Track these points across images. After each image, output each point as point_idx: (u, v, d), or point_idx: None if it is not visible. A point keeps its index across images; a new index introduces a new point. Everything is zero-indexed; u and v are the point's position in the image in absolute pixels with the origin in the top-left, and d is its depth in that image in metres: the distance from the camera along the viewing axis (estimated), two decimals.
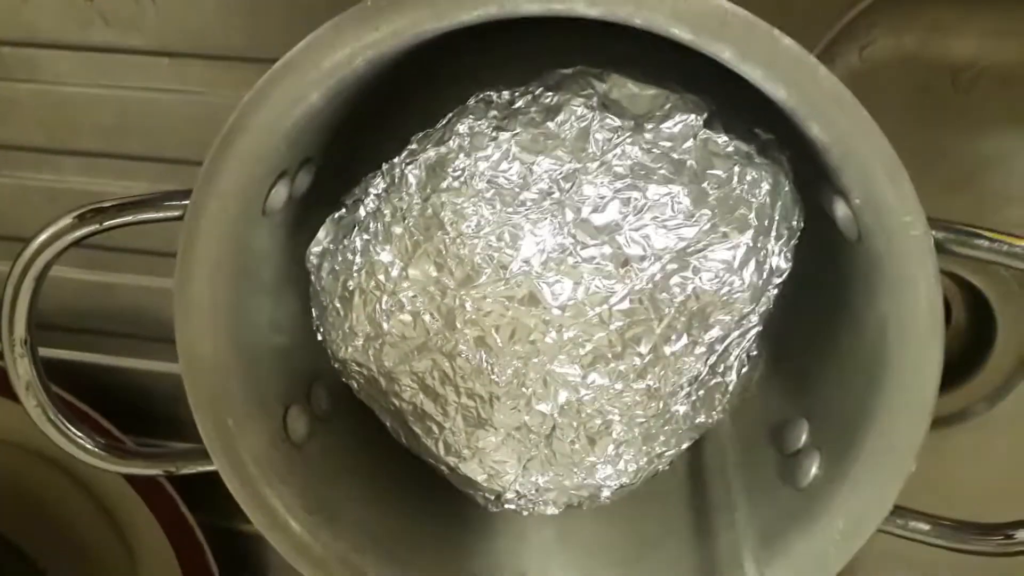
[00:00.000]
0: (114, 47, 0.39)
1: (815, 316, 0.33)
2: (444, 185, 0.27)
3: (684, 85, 0.28)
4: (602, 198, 0.26)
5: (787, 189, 0.27)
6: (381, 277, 0.29)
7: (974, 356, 0.47)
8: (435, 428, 0.30)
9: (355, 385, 0.32)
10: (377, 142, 0.31)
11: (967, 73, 0.42)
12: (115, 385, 0.47)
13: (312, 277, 0.32)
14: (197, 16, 0.38)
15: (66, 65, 0.40)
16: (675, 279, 0.26)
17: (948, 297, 0.47)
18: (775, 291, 0.28)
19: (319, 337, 0.32)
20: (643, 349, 0.27)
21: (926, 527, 0.27)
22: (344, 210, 0.31)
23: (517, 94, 0.28)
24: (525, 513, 0.32)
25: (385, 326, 0.29)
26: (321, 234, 0.31)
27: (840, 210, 0.27)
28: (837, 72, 0.45)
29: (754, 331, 0.28)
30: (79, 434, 0.30)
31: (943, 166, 0.43)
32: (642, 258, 0.26)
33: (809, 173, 0.28)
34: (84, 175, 0.42)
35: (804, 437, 0.32)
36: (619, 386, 0.28)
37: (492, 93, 0.29)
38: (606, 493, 0.30)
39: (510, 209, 0.27)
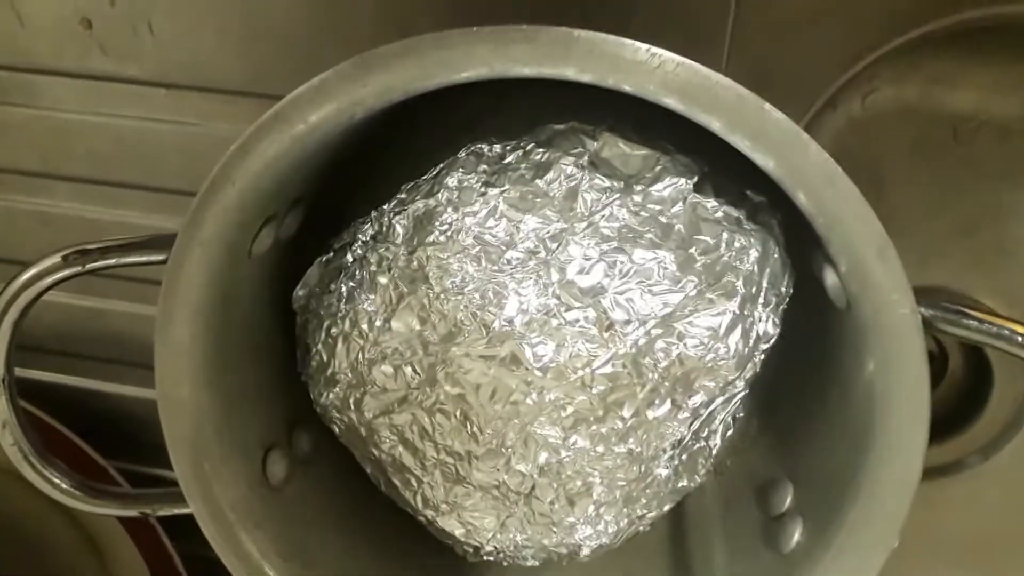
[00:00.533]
0: (111, 76, 0.39)
1: (805, 377, 0.33)
2: (431, 239, 0.27)
3: (682, 134, 0.28)
4: (588, 260, 0.26)
5: (776, 256, 0.27)
6: (364, 326, 0.28)
7: (970, 407, 0.46)
8: (413, 481, 0.30)
9: (336, 430, 0.31)
10: (371, 182, 0.31)
11: (968, 125, 0.42)
12: (101, 409, 0.47)
13: (298, 319, 0.32)
14: (195, 48, 0.38)
15: (63, 92, 0.40)
16: (659, 344, 0.26)
17: (945, 346, 0.47)
18: (762, 356, 0.28)
19: (303, 379, 0.32)
20: (626, 413, 0.27)
21: None
22: (332, 254, 0.31)
23: (508, 148, 0.28)
24: (505, 564, 0.32)
25: (367, 375, 0.29)
26: (308, 277, 0.31)
27: (829, 278, 0.27)
28: (839, 118, 0.45)
29: (740, 396, 0.28)
30: (55, 474, 0.29)
31: (943, 216, 0.43)
32: (626, 322, 0.26)
33: (803, 235, 0.28)
34: (77, 201, 0.42)
35: (789, 500, 0.31)
36: (600, 449, 0.27)
37: (484, 146, 0.28)
38: (585, 552, 0.30)
39: (495, 267, 0.26)
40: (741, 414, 0.29)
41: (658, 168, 0.27)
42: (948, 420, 0.47)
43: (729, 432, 0.29)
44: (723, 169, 0.28)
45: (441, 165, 0.28)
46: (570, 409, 0.27)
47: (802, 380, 0.33)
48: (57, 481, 0.29)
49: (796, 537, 0.29)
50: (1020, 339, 0.23)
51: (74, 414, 0.45)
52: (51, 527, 0.46)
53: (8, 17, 0.39)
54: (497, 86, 0.30)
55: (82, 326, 0.46)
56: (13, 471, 0.44)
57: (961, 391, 0.47)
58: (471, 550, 0.31)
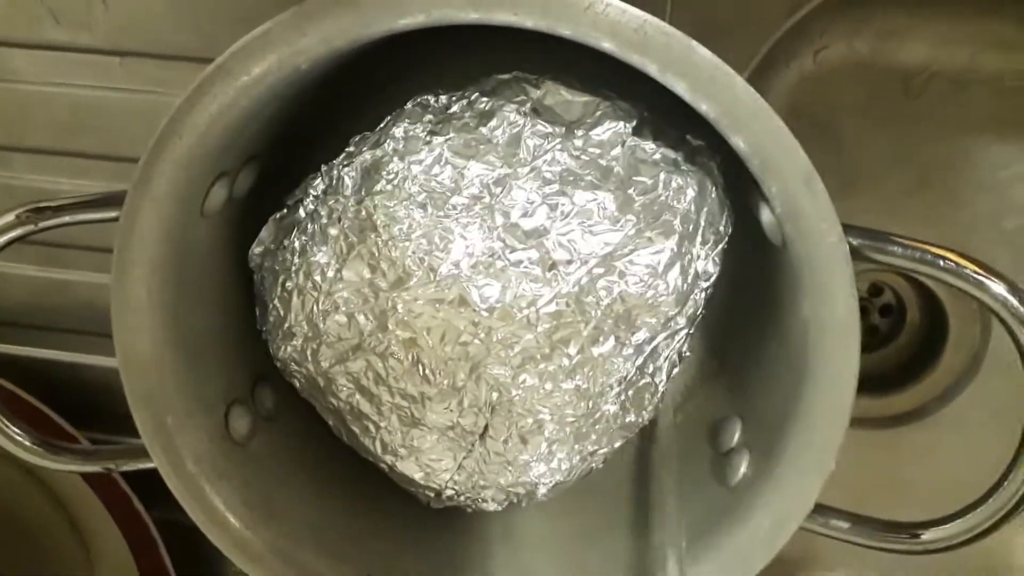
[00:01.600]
0: (66, 46, 0.39)
1: (751, 318, 0.34)
2: (378, 188, 0.28)
3: (628, 90, 0.28)
4: (531, 203, 0.27)
5: (714, 196, 0.28)
6: (317, 278, 0.29)
7: (928, 355, 0.47)
8: (371, 427, 0.30)
9: (297, 384, 0.32)
10: (331, 143, 0.31)
11: (919, 78, 0.43)
12: (70, 381, 0.47)
13: (255, 277, 0.32)
14: (147, 16, 0.38)
15: (17, 63, 0.40)
16: (601, 283, 0.27)
17: (903, 297, 0.48)
18: (703, 295, 0.28)
19: (263, 336, 0.32)
20: (571, 350, 0.28)
21: (846, 525, 0.27)
22: (286, 211, 0.31)
23: (454, 99, 0.29)
24: (469, 510, 0.33)
25: (321, 326, 0.29)
26: (263, 234, 0.31)
27: (765, 216, 0.28)
28: (792, 75, 0.46)
29: (682, 333, 0.29)
30: (17, 431, 0.30)
31: (898, 169, 0.44)
32: (568, 262, 0.27)
33: (743, 178, 0.29)
34: (36, 172, 0.42)
35: (737, 436, 0.32)
36: (549, 386, 0.28)
37: (430, 97, 0.29)
38: (542, 490, 0.31)
39: (441, 213, 0.27)
40: (688, 353, 0.30)
41: (598, 113, 0.27)
42: (907, 368, 0.48)
43: (676, 369, 0.30)
44: (665, 116, 0.29)
45: (388, 117, 0.29)
46: (517, 348, 0.28)
47: (749, 321, 0.34)
48: (19, 439, 0.30)
49: (742, 470, 0.30)
50: (942, 263, 0.24)
51: (44, 387, 0.45)
52: (26, 498, 0.46)
53: None
54: (451, 49, 0.31)
55: (49, 298, 0.46)
56: None
57: (919, 340, 0.48)
58: (432, 495, 0.32)
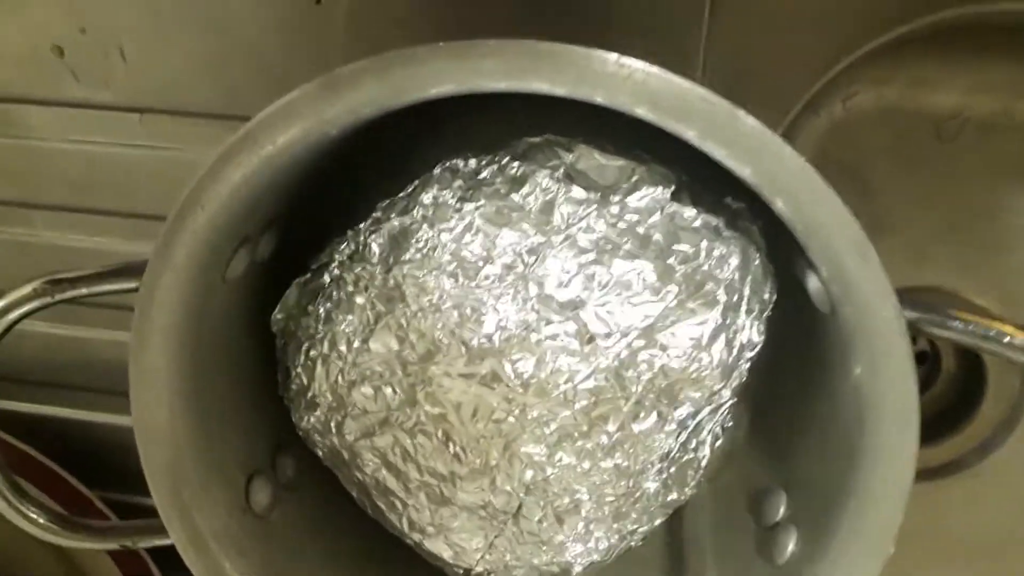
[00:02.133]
0: (85, 103, 0.39)
1: (794, 384, 0.32)
2: (406, 257, 0.27)
3: (659, 144, 0.27)
4: (566, 273, 0.26)
5: (757, 263, 0.26)
6: (343, 347, 0.28)
7: (965, 405, 0.46)
8: (398, 504, 0.29)
9: (320, 454, 0.31)
10: (352, 203, 0.31)
11: (951, 123, 0.42)
12: (83, 439, 0.46)
13: (278, 342, 0.31)
14: (166, 73, 0.38)
15: (37, 120, 0.40)
16: (642, 356, 0.26)
17: (937, 345, 0.47)
18: (747, 364, 0.27)
19: (285, 403, 0.31)
20: (611, 427, 0.26)
21: None
22: (310, 275, 0.30)
23: (483, 163, 0.28)
24: None
25: (347, 398, 0.28)
26: (287, 298, 0.30)
27: (812, 283, 0.26)
28: (821, 122, 0.45)
29: (727, 405, 0.27)
30: (31, 509, 0.29)
31: (929, 215, 0.43)
32: (607, 335, 0.26)
33: (784, 241, 0.27)
34: (55, 229, 0.42)
35: (782, 510, 0.31)
36: (587, 465, 0.27)
37: (459, 161, 0.28)
38: (577, 570, 0.30)
39: (472, 283, 0.26)
40: (730, 424, 0.29)
41: (635, 178, 0.26)
42: (944, 419, 0.47)
43: (718, 443, 0.28)
44: (702, 177, 0.28)
45: (416, 182, 0.28)
46: (554, 425, 0.26)
47: (791, 387, 0.32)
48: (34, 516, 0.29)
49: (791, 547, 0.29)
50: (1007, 339, 0.23)
51: (58, 445, 0.45)
52: (39, 564, 0.45)
53: None
54: (476, 102, 0.30)
55: (63, 355, 0.45)
56: None
57: (956, 389, 0.47)
58: (461, 572, 0.31)
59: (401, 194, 0.28)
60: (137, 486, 0.46)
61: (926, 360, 0.47)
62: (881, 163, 0.44)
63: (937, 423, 0.47)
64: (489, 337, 0.26)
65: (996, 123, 0.42)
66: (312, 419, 0.29)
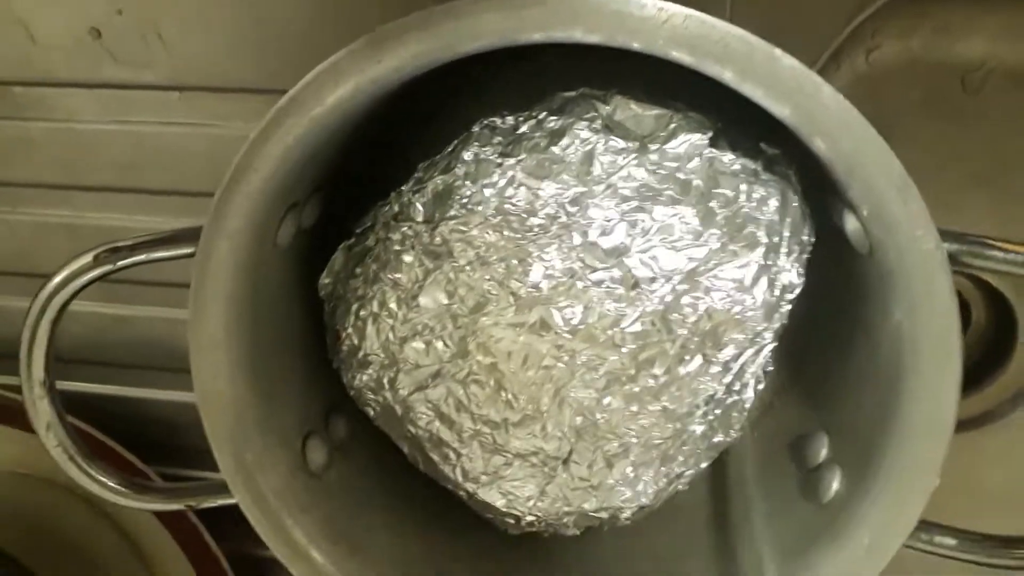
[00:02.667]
0: (125, 84, 0.40)
1: (832, 328, 0.33)
2: (451, 213, 0.27)
3: (693, 96, 0.28)
4: (609, 221, 0.26)
5: (795, 204, 0.27)
6: (392, 305, 0.29)
7: (997, 357, 0.46)
8: (452, 455, 0.30)
9: (371, 413, 0.32)
10: (390, 168, 0.31)
11: (976, 74, 0.42)
12: (138, 417, 0.47)
13: (326, 306, 0.32)
14: (205, 50, 0.39)
15: (78, 103, 0.41)
16: (686, 299, 0.26)
17: (967, 298, 0.47)
18: (789, 307, 0.28)
19: (335, 366, 0.32)
20: (657, 371, 0.27)
21: (952, 541, 0.26)
22: (355, 239, 0.31)
23: (521, 119, 0.28)
24: (546, 535, 0.32)
25: (398, 354, 0.29)
26: (333, 263, 0.31)
27: (850, 224, 0.27)
28: (845, 76, 0.45)
29: (768, 348, 0.28)
30: (100, 472, 0.30)
31: (957, 167, 0.43)
32: (652, 279, 0.26)
33: (819, 184, 0.28)
34: (101, 211, 0.43)
35: (824, 452, 0.31)
36: (635, 408, 0.27)
37: (496, 119, 0.29)
38: (626, 515, 0.30)
39: (517, 235, 0.27)
40: (771, 368, 0.29)
41: (672, 126, 0.27)
42: (976, 371, 0.47)
43: (760, 385, 0.29)
44: (735, 125, 0.28)
45: (456, 141, 0.29)
46: (602, 370, 0.27)
47: (829, 331, 0.33)
48: (103, 479, 0.30)
49: (835, 487, 0.29)
50: None
51: (110, 423, 0.46)
52: (96, 536, 0.46)
53: (19, 34, 0.40)
54: (508, 65, 0.31)
55: (111, 334, 0.46)
56: (57, 482, 0.46)
57: (986, 341, 0.47)
58: (512, 521, 0.31)
59: (441, 154, 0.29)
60: (186, 460, 0.47)
61: None
62: (907, 116, 0.43)
63: (968, 375, 0.47)
64: (536, 286, 0.27)
65: (1022, 72, 0.42)
66: (364, 377, 0.30)
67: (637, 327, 0.27)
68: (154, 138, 0.41)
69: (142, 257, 0.28)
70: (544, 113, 0.28)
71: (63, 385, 0.46)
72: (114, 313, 0.46)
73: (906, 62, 0.43)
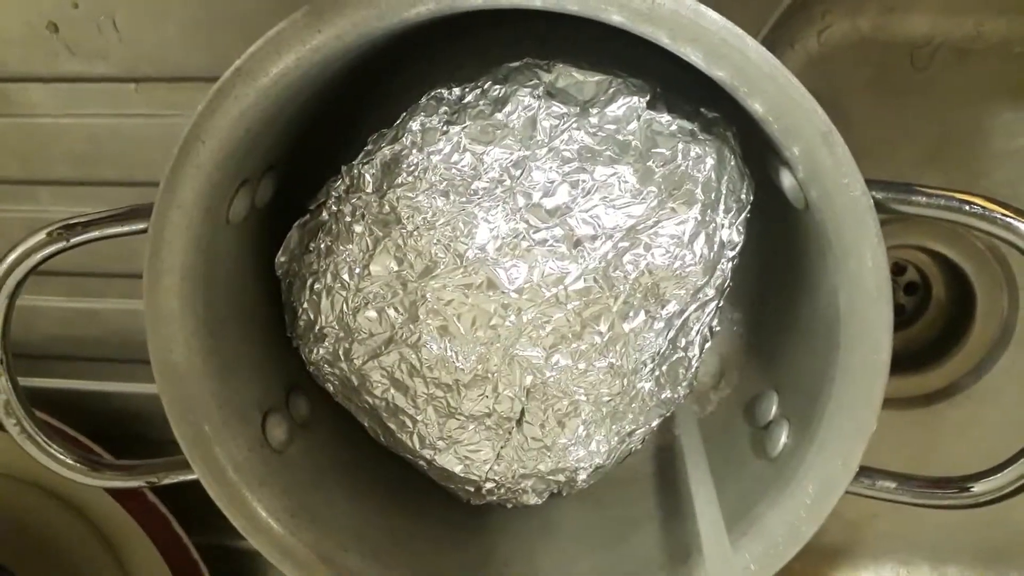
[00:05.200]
0: (82, 76, 0.40)
1: (780, 291, 0.34)
2: (399, 181, 0.28)
3: (641, 72, 0.29)
4: (551, 182, 0.27)
5: (733, 164, 0.28)
6: (345, 276, 0.29)
7: (956, 331, 0.47)
8: (408, 422, 0.30)
9: (331, 388, 0.32)
10: (342, 148, 0.32)
11: (924, 50, 0.43)
12: (106, 410, 0.47)
13: (282, 284, 0.32)
14: (159, 41, 0.39)
15: (36, 96, 0.41)
16: (627, 256, 0.27)
17: (927, 273, 0.48)
18: (730, 264, 0.28)
19: (293, 343, 0.33)
20: (602, 327, 0.28)
21: (892, 484, 0.27)
22: (309, 215, 0.32)
23: (467, 89, 0.29)
24: (509, 505, 0.33)
25: (352, 324, 0.30)
26: (288, 240, 0.32)
27: (786, 180, 0.28)
28: (797, 57, 0.46)
29: (712, 304, 0.29)
30: (59, 449, 0.30)
31: (910, 143, 0.44)
32: (593, 237, 0.27)
33: (761, 147, 0.29)
34: (61, 204, 0.43)
35: (774, 409, 0.32)
36: (582, 365, 0.28)
37: (443, 90, 0.29)
38: (582, 476, 0.31)
39: (463, 199, 0.27)
40: (718, 327, 0.30)
41: (611, 90, 0.27)
42: (937, 345, 0.48)
43: (707, 344, 0.29)
44: (677, 94, 0.29)
45: (404, 113, 0.29)
46: (548, 328, 0.28)
47: (779, 295, 0.34)
48: (61, 456, 0.30)
49: (783, 440, 0.30)
50: (968, 207, 0.24)
51: (79, 417, 0.46)
52: (64, 529, 0.46)
53: None
54: (459, 48, 0.31)
55: (79, 329, 0.46)
56: (23, 476, 0.45)
57: (946, 316, 0.48)
58: (472, 489, 0.32)
59: (390, 127, 0.30)
60: (155, 454, 0.47)
61: (917, 289, 0.48)
62: (859, 95, 0.44)
63: (930, 350, 0.48)
64: (482, 248, 0.27)
65: (970, 46, 0.43)
66: (321, 351, 0.31)
67: (580, 284, 0.27)
68: (111, 129, 0.41)
69: (96, 233, 0.29)
70: (489, 83, 0.29)
71: (33, 382, 0.46)
72: (80, 307, 0.46)
73: (856, 40, 0.43)
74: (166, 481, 0.31)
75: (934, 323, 0.48)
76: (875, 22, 0.43)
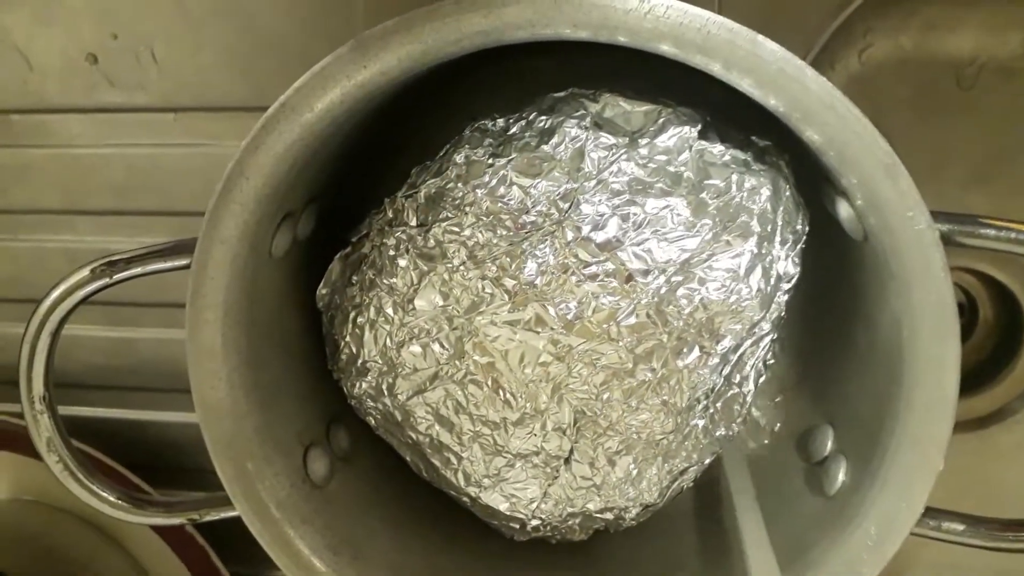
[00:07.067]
0: (121, 107, 0.40)
1: (834, 320, 0.33)
2: (443, 215, 0.28)
3: (685, 99, 0.28)
4: (601, 215, 0.26)
5: (788, 194, 0.27)
6: (389, 310, 0.29)
7: (1006, 354, 0.46)
8: (453, 459, 0.30)
9: (373, 422, 0.32)
10: (383, 180, 0.31)
11: (968, 69, 0.42)
12: (143, 439, 0.47)
13: (324, 317, 0.32)
14: (198, 71, 0.39)
15: (76, 128, 0.41)
16: (681, 291, 0.26)
17: (974, 295, 0.46)
18: (786, 297, 0.28)
19: (334, 376, 0.32)
20: (655, 364, 0.27)
21: (960, 527, 0.26)
22: (350, 248, 0.31)
23: (511, 120, 0.28)
24: (554, 541, 0.32)
25: (396, 359, 0.29)
26: (330, 273, 0.31)
27: (843, 211, 0.27)
28: (838, 77, 0.45)
29: (768, 339, 0.28)
30: (101, 487, 0.30)
31: (955, 163, 0.43)
32: (645, 272, 0.26)
33: (814, 176, 0.28)
34: (100, 234, 0.43)
35: (830, 444, 0.31)
36: (634, 403, 0.27)
37: (487, 122, 0.29)
38: (631, 515, 0.30)
39: (510, 233, 0.27)
40: (772, 360, 0.29)
41: (661, 120, 0.27)
42: (985, 369, 0.46)
43: (762, 378, 0.29)
44: (727, 122, 0.28)
45: (448, 145, 0.29)
46: (599, 365, 0.27)
47: (832, 325, 0.33)
48: (103, 494, 0.30)
49: (841, 478, 0.29)
50: None
51: (115, 446, 0.46)
52: (104, 561, 0.46)
53: (16, 61, 0.40)
54: (502, 73, 0.31)
55: (117, 359, 0.46)
56: (60, 505, 0.45)
57: (995, 338, 0.47)
58: (517, 527, 0.31)
59: (433, 159, 0.29)
60: (191, 483, 0.47)
61: (964, 311, 0.47)
62: (902, 114, 0.43)
63: (978, 373, 0.47)
64: (530, 283, 0.27)
65: (1014, 66, 0.42)
66: (364, 385, 0.30)
67: (632, 320, 0.26)
68: (150, 160, 0.41)
69: (138, 270, 0.28)
70: (534, 113, 0.28)
71: (70, 411, 0.46)
72: (118, 336, 0.46)
73: (898, 60, 0.43)
74: (208, 518, 0.31)
75: (982, 346, 0.47)
76: (917, 41, 0.42)
